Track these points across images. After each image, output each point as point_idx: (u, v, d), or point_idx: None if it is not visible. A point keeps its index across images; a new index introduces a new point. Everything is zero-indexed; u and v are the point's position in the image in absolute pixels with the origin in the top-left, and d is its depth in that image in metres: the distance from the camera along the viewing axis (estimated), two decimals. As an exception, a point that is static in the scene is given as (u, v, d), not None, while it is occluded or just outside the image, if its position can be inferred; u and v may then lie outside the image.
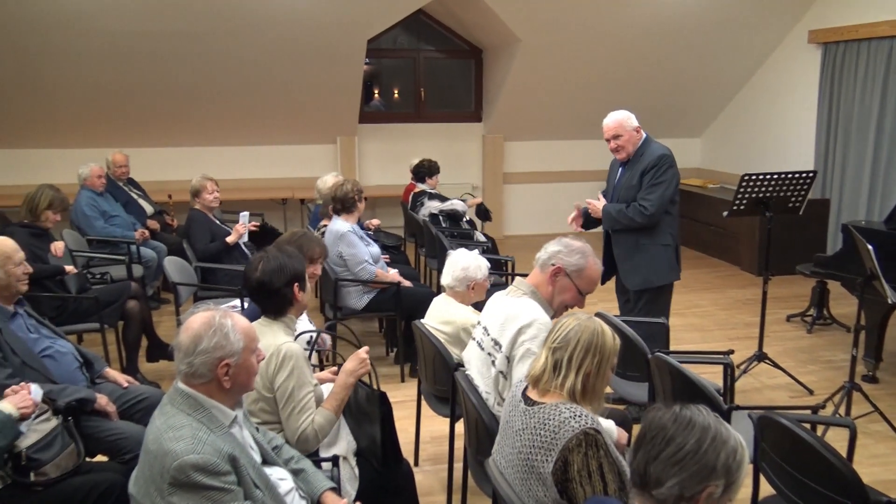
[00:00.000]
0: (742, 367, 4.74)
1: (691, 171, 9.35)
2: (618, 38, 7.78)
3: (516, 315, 2.68)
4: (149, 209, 6.83)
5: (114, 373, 3.34)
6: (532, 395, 2.15)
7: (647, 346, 3.23)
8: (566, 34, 7.65)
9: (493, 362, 2.72)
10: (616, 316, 3.57)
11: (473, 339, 2.92)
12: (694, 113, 9.18)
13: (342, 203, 4.90)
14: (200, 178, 5.49)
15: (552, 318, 2.71)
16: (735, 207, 4.55)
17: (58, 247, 4.86)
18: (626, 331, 3.33)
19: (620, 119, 4.11)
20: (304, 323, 3.22)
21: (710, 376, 3.80)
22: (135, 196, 6.78)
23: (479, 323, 2.91)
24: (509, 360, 2.65)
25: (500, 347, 2.68)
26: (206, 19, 6.74)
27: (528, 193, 9.31)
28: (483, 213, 7.15)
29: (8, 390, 2.53)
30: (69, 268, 4.62)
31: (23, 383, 2.57)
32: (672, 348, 3.97)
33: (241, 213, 5.49)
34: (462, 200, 6.79)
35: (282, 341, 2.54)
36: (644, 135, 4.15)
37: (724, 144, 9.25)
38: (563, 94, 8.43)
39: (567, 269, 2.75)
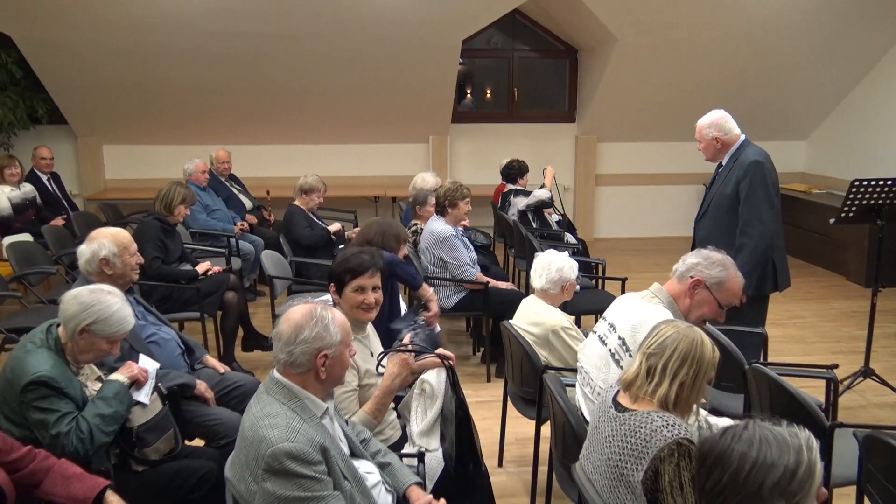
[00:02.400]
0: (846, 382, 4.50)
1: (795, 176, 8.95)
2: (719, 36, 7.53)
3: (653, 321, 2.60)
4: (248, 204, 7.09)
5: (212, 360, 3.48)
6: (623, 400, 2.10)
7: (743, 356, 3.12)
8: (665, 33, 7.46)
9: (616, 360, 2.66)
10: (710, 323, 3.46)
11: (594, 332, 2.86)
12: (800, 114, 8.76)
13: (437, 204, 4.98)
14: (316, 178, 5.66)
15: None
16: (843, 215, 4.32)
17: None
18: (721, 339, 3.22)
19: (701, 124, 3.99)
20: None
21: (811, 391, 3.62)
22: (235, 191, 7.06)
23: (603, 318, 2.85)
24: None
25: (628, 347, 2.62)
26: (305, 21, 6.94)
27: (620, 196, 9.14)
28: (568, 226, 6.96)
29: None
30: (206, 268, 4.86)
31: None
32: (770, 360, 3.81)
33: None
34: (541, 187, 6.62)
35: None
36: (741, 138, 3.96)
37: (831, 148, 8.79)
38: (660, 94, 8.22)
39: (707, 281, 2.68)
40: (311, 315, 2.08)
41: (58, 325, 2.56)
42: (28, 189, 6.35)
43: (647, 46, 7.60)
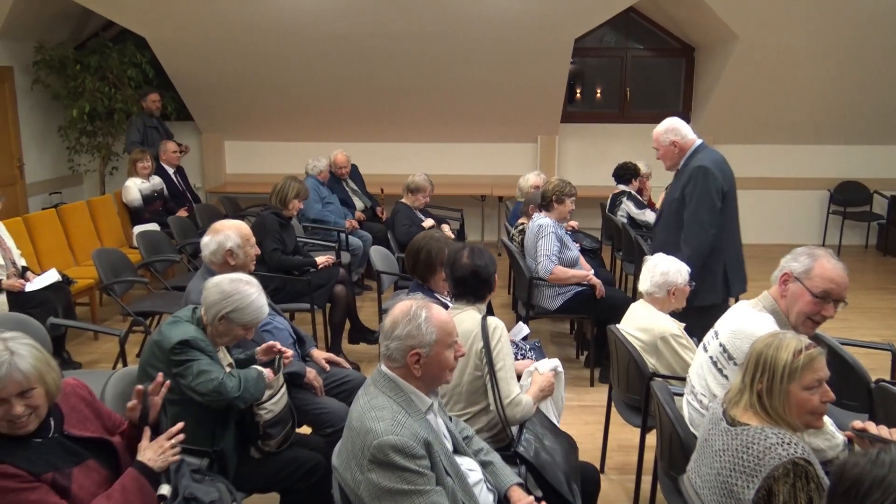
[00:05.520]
0: None
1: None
2: (848, 33, 7.10)
3: (750, 328, 2.51)
4: (360, 205, 7.24)
5: (318, 354, 3.51)
6: (733, 412, 2.03)
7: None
8: (789, 30, 7.11)
9: (717, 367, 2.58)
10: (834, 337, 3.27)
11: (704, 340, 2.80)
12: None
13: (542, 198, 4.95)
14: (424, 178, 5.77)
15: None
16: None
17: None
18: (844, 354, 3.05)
19: (657, 131, 4.02)
20: None
21: (945, 415, 3.36)
22: (350, 192, 7.25)
23: (713, 327, 2.78)
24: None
25: (731, 355, 2.53)
26: (420, 22, 7.05)
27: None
28: None
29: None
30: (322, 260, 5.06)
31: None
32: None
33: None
34: (654, 212, 6.53)
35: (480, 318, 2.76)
36: (696, 143, 3.97)
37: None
38: (782, 95, 7.82)
39: (794, 272, 2.54)
40: (406, 312, 2.10)
41: (200, 308, 2.71)
42: (157, 181, 6.76)
43: (769, 45, 7.26)
